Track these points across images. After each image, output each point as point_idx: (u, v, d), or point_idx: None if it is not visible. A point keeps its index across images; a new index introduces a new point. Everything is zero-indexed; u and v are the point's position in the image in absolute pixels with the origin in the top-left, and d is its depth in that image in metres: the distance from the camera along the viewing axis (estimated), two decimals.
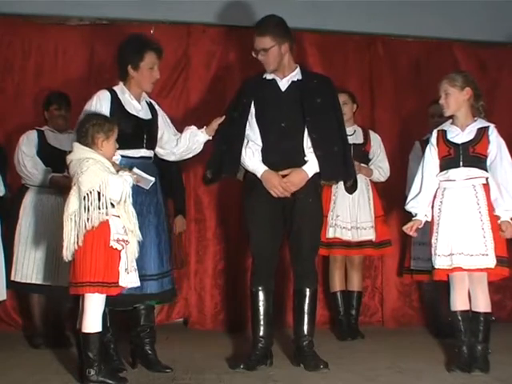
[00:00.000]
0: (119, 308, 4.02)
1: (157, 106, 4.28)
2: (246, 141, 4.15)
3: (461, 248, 3.98)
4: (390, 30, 5.94)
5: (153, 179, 3.94)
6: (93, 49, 5.61)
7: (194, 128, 4.31)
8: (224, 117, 4.25)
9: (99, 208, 3.57)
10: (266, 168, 4.10)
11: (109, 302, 3.72)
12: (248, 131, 4.16)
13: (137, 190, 3.94)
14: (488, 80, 5.92)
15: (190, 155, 4.38)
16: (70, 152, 3.73)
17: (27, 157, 4.81)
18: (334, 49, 5.91)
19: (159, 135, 4.23)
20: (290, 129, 4.13)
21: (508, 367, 4.09)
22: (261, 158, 4.12)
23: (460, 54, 6.07)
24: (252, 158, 4.13)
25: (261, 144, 4.14)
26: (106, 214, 3.57)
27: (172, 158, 4.39)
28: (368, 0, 5.88)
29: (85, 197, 3.57)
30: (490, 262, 3.96)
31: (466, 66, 5.87)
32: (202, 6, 5.66)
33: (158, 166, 4.25)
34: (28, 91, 5.52)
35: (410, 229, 4.16)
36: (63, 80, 5.49)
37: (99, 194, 3.57)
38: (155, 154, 4.25)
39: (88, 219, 3.55)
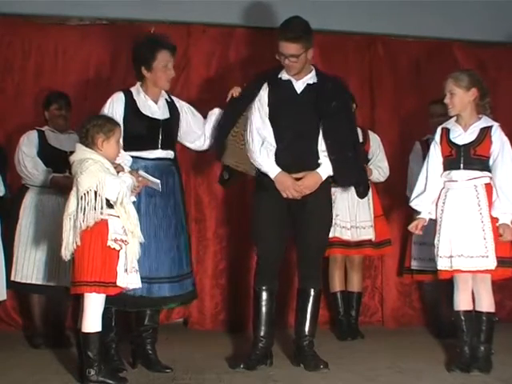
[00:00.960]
0: (141, 309, 4.03)
1: (179, 104, 4.23)
2: (261, 141, 4.12)
3: (461, 250, 3.96)
4: (390, 30, 5.93)
5: (158, 181, 3.92)
6: (93, 49, 5.60)
7: (215, 112, 4.33)
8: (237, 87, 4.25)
9: (95, 208, 3.56)
10: (279, 170, 4.08)
11: (130, 303, 3.79)
12: (263, 131, 4.13)
13: (150, 191, 3.95)
14: (488, 80, 5.82)
15: None
16: (71, 153, 3.75)
17: (28, 157, 4.81)
18: (335, 49, 5.90)
19: (187, 128, 4.23)
20: (304, 131, 4.11)
21: (509, 367, 4.09)
22: (274, 160, 4.11)
23: (460, 54, 6.06)
24: (267, 158, 4.10)
25: (275, 145, 4.12)
26: (101, 214, 3.57)
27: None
28: (368, 0, 5.88)
29: (82, 197, 3.57)
30: (490, 263, 3.94)
31: (466, 66, 5.84)
32: (201, 5, 5.65)
33: (178, 166, 4.22)
34: (28, 91, 5.51)
35: (415, 227, 4.14)
36: (63, 80, 5.49)
37: (96, 193, 3.57)
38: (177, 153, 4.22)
39: (83, 219, 3.56)
